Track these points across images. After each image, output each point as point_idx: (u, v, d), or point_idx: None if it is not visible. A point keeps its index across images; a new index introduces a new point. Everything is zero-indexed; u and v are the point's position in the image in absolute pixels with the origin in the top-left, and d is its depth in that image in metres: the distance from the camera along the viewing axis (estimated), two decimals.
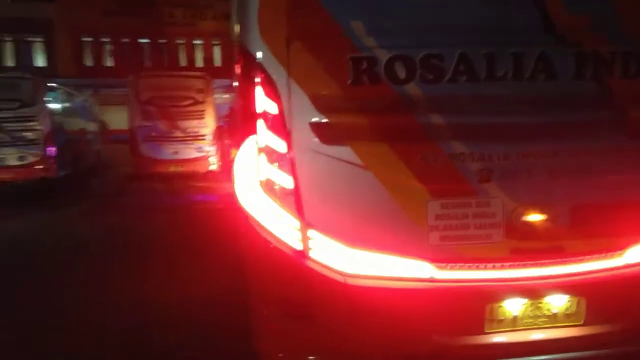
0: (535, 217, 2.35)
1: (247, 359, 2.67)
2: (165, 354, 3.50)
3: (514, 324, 2.40)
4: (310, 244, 2.35)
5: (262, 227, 2.37)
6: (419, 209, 2.32)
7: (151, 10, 28.19)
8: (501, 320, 2.39)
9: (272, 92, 2.28)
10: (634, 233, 2.43)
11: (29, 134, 10.86)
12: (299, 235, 2.35)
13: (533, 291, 2.38)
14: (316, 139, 2.30)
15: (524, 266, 2.37)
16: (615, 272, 2.41)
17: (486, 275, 2.38)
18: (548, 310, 2.41)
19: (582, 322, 2.41)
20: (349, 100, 2.30)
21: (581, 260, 2.40)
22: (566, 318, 2.42)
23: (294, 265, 2.35)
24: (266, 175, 2.35)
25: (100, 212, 9.22)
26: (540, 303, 2.41)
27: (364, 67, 2.26)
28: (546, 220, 2.35)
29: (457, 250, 2.36)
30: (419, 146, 2.31)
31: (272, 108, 2.30)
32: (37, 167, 10.79)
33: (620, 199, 2.40)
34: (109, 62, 29.57)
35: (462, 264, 2.37)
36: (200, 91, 13.15)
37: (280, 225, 2.36)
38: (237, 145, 2.47)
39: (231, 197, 2.63)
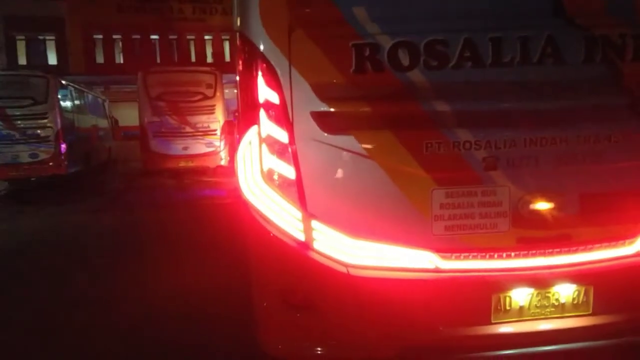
0: (542, 206, 2.30)
1: (251, 353, 2.66)
2: (169, 347, 3.51)
3: (520, 314, 2.36)
4: (313, 234, 2.33)
5: (265, 218, 2.35)
6: (424, 198, 2.29)
7: (161, 6, 28.34)
8: (508, 311, 2.35)
9: (274, 81, 2.26)
10: None
11: (40, 132, 11.00)
12: (301, 226, 2.33)
13: (540, 281, 2.34)
14: (319, 129, 2.27)
15: (531, 255, 2.33)
16: (624, 260, 2.36)
17: (492, 265, 2.34)
18: (556, 300, 2.37)
19: (590, 312, 2.37)
20: (351, 89, 2.27)
21: (589, 249, 2.35)
22: (574, 308, 2.37)
23: (297, 257, 2.34)
24: (268, 166, 2.34)
25: (111, 208, 9.31)
26: (548, 293, 2.36)
27: (367, 55, 2.23)
28: (554, 208, 2.31)
29: (463, 239, 2.33)
30: (423, 134, 2.27)
31: (274, 98, 2.28)
32: (48, 164, 10.92)
33: (630, 187, 2.35)
34: (120, 59, 29.76)
35: (468, 254, 2.34)
36: (209, 86, 13.18)
37: (282, 216, 2.34)
38: (240, 136, 2.45)
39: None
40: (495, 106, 2.26)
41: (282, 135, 2.29)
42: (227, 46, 29.70)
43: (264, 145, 2.33)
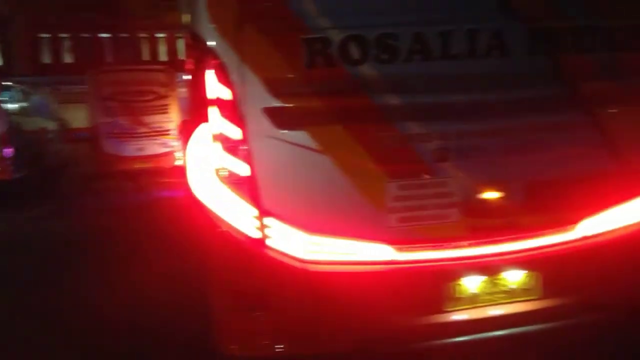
0: (491, 195, 2.38)
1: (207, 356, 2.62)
2: (125, 353, 3.42)
3: (473, 301, 2.43)
4: (269, 232, 2.32)
5: (218, 217, 2.32)
6: (378, 191, 2.32)
7: (111, 4, 27.46)
8: (460, 298, 2.42)
9: (224, 77, 2.23)
10: (586, 206, 2.49)
11: None
12: (256, 223, 2.31)
13: (490, 268, 2.42)
14: (271, 125, 2.26)
15: (482, 244, 2.40)
16: (568, 245, 2.47)
17: (445, 254, 2.40)
18: (505, 286, 2.45)
19: (538, 296, 2.46)
20: (303, 84, 2.27)
21: (536, 236, 2.44)
22: (523, 293, 2.46)
23: (253, 255, 2.32)
24: (221, 164, 2.30)
25: (62, 214, 8.95)
26: (498, 279, 2.44)
27: (318, 49, 2.23)
28: (501, 197, 2.39)
29: (416, 231, 2.37)
30: (375, 128, 2.30)
31: (225, 94, 2.25)
32: None
33: (572, 174, 2.45)
34: (69, 59, 28.67)
35: (422, 245, 2.38)
36: (163, 85, 12.85)
37: (237, 215, 2.32)
38: (190, 133, 2.41)
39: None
40: (445, 99, 2.31)
41: (234, 132, 2.27)
42: (181, 44, 29.11)
43: (215, 143, 2.29)
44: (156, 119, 12.60)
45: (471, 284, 2.42)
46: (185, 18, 2.42)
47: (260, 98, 2.24)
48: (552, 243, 2.46)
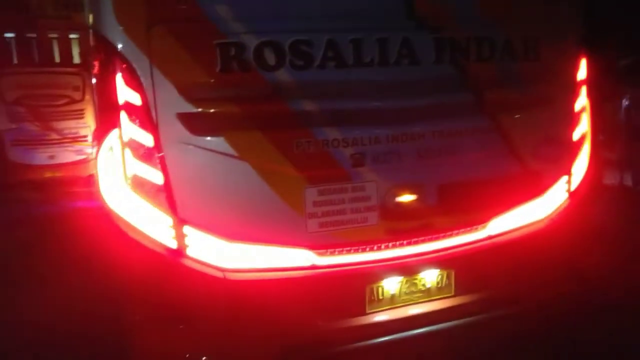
0: (406, 198, 2.45)
1: None
2: None
3: (392, 301, 2.50)
4: (186, 241, 2.25)
5: (132, 228, 2.22)
6: (297, 197, 2.32)
7: (19, 2, 25.50)
8: (381, 300, 2.48)
9: (134, 81, 2.13)
10: (494, 206, 2.64)
11: None
12: (172, 232, 2.23)
13: (407, 268, 2.50)
14: (186, 131, 2.19)
15: (398, 245, 2.48)
16: (478, 244, 2.61)
17: (364, 257, 2.45)
18: (422, 285, 2.54)
19: (452, 294, 2.58)
20: (218, 89, 2.22)
21: (448, 236, 2.56)
22: (439, 291, 2.57)
23: (169, 265, 2.24)
24: (133, 172, 2.20)
25: None
26: (415, 279, 2.53)
27: (232, 54, 2.19)
28: (416, 200, 2.47)
29: (336, 235, 2.39)
30: (292, 133, 2.29)
31: (135, 99, 2.15)
32: None
33: (480, 176, 2.59)
34: None
35: (342, 249, 2.41)
36: (76, 89, 12.11)
37: (151, 224, 2.23)
38: (99, 140, 2.27)
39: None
40: (359, 105, 2.36)
41: (147, 139, 2.17)
42: None
43: (126, 150, 2.18)
44: (70, 125, 11.84)
45: (390, 285, 2.48)
46: (89, 18, 2.27)
47: (174, 103, 2.16)
48: (462, 242, 2.59)
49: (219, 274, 2.27)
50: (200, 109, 2.19)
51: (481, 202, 2.59)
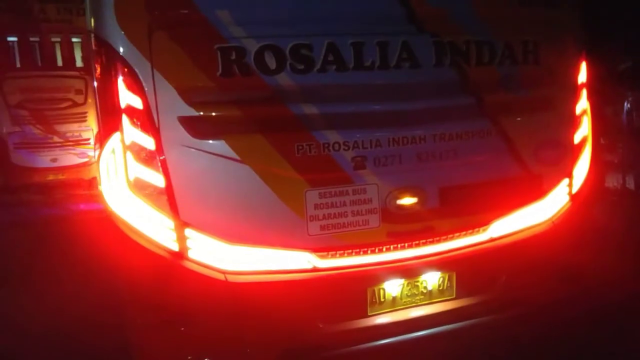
0: (407, 201, 2.46)
1: None
2: None
3: (394, 304, 2.50)
4: (188, 243, 2.26)
5: (133, 230, 2.23)
6: (298, 199, 2.32)
7: (19, 5, 25.62)
8: (382, 302, 2.48)
9: (136, 85, 2.14)
10: (495, 209, 2.64)
11: None
12: (174, 235, 2.24)
13: (409, 271, 2.50)
14: (187, 134, 2.20)
15: (400, 248, 2.48)
16: (480, 247, 2.61)
17: (366, 260, 2.45)
18: (424, 287, 2.54)
19: (454, 296, 2.58)
20: (220, 92, 2.23)
21: (450, 238, 2.56)
22: (440, 294, 2.57)
23: (171, 268, 2.25)
24: (135, 175, 2.21)
25: None
26: (417, 282, 2.53)
27: (233, 58, 2.20)
28: (417, 202, 2.47)
29: (338, 238, 2.40)
30: (294, 137, 2.30)
31: (137, 103, 2.16)
32: None
33: (481, 179, 2.59)
34: None
35: (343, 251, 2.42)
36: (79, 92, 12.16)
37: (153, 227, 2.24)
38: (101, 143, 2.29)
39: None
40: (360, 108, 2.37)
41: (148, 142, 2.18)
42: None
43: (128, 153, 2.20)
44: (72, 128, 11.89)
45: (392, 287, 2.49)
46: (90, 22, 2.29)
47: (175, 106, 2.17)
48: (464, 245, 2.59)
49: (221, 277, 2.28)
50: (201, 113, 2.21)
51: (482, 204, 2.59)
